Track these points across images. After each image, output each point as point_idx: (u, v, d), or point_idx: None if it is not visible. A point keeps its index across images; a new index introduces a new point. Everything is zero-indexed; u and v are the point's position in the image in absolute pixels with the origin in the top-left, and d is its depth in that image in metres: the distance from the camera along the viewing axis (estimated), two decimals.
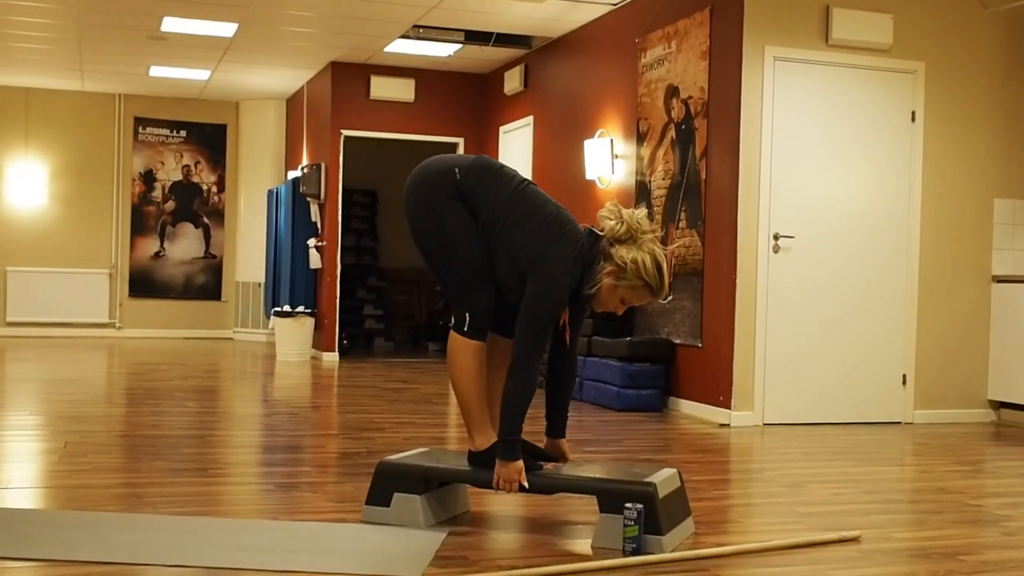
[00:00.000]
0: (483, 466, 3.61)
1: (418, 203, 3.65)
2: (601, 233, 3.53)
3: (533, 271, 3.48)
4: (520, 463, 3.50)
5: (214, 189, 13.95)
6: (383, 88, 11.15)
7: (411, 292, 14.07)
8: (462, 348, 3.63)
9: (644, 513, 3.33)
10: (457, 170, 3.63)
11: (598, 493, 3.46)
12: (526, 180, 3.68)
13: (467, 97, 11.51)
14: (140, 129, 13.63)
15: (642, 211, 3.55)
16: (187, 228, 13.87)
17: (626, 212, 3.52)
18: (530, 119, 10.20)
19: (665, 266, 3.50)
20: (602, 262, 3.48)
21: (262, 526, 3.62)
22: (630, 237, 3.47)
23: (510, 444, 3.47)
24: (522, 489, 3.52)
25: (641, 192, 7.95)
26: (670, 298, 7.47)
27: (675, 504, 3.55)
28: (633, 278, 3.46)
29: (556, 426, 3.80)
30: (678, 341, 7.38)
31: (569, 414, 3.85)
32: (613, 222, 3.50)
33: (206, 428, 5.97)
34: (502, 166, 3.71)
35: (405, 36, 9.80)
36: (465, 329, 3.62)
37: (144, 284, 13.66)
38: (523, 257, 3.51)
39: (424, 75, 11.31)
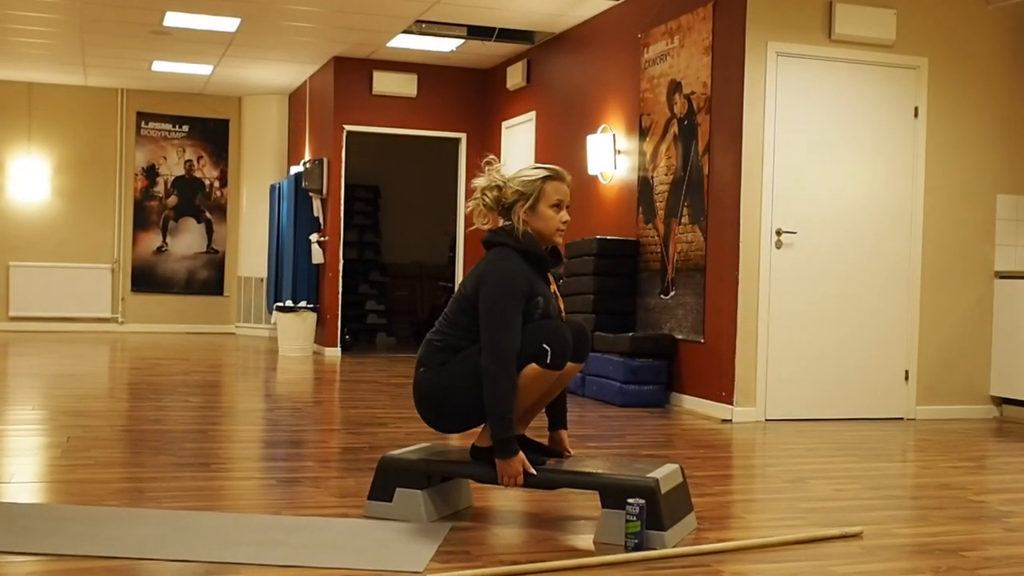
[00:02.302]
0: (486, 461, 3.60)
1: (432, 402, 3.66)
2: (497, 227, 3.65)
3: (480, 282, 3.55)
4: (520, 456, 3.49)
5: (216, 184, 13.96)
6: (385, 83, 11.14)
7: (413, 287, 14.07)
8: (529, 370, 3.58)
9: (646, 509, 3.33)
10: (420, 369, 3.69)
11: (600, 489, 3.45)
12: None
13: (469, 92, 11.50)
14: (143, 124, 13.63)
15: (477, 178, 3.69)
16: (189, 223, 13.88)
17: (475, 182, 3.68)
18: (532, 114, 10.19)
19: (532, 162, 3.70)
20: (508, 215, 3.62)
21: (264, 521, 3.62)
22: (497, 186, 3.63)
23: (506, 442, 3.47)
24: (527, 481, 3.51)
25: (643, 188, 7.95)
26: (672, 294, 7.47)
27: (677, 500, 3.55)
28: (532, 186, 3.59)
29: (556, 419, 3.81)
30: (680, 337, 7.38)
31: (571, 410, 3.86)
32: (480, 203, 3.63)
33: (208, 423, 5.97)
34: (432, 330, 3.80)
35: (408, 31, 9.80)
36: (546, 362, 3.55)
37: (146, 279, 13.67)
38: (478, 299, 3.55)
39: (427, 70, 11.30)
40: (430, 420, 3.68)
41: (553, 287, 3.73)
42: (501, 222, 3.65)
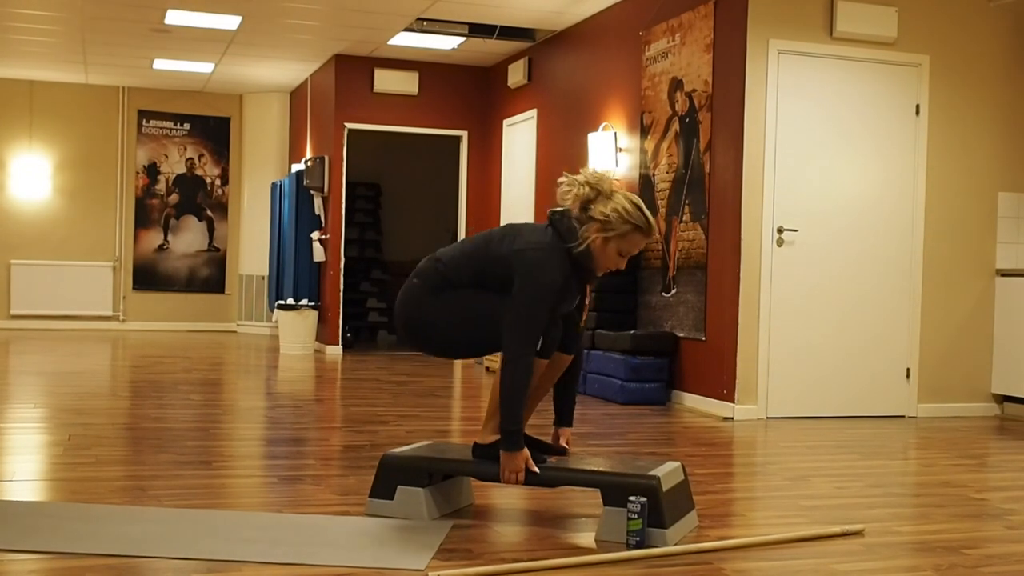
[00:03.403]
0: (488, 458, 3.61)
1: (412, 320, 3.66)
2: (564, 208, 3.58)
3: (515, 269, 3.50)
4: (525, 452, 3.50)
5: (218, 182, 13.96)
6: (387, 81, 11.14)
7: None
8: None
9: (648, 506, 3.33)
10: (415, 279, 3.68)
11: (602, 486, 3.46)
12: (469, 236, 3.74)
13: (471, 90, 11.50)
14: (144, 122, 13.63)
15: (595, 167, 3.59)
16: (191, 221, 13.88)
17: (583, 173, 3.58)
18: (534, 112, 10.19)
19: (643, 206, 3.55)
20: (582, 227, 3.51)
21: (266, 519, 3.63)
22: (598, 193, 3.53)
23: (513, 434, 3.47)
24: (529, 479, 3.51)
25: (645, 185, 7.95)
26: (674, 292, 7.47)
27: (679, 497, 3.55)
28: (620, 225, 3.50)
29: (563, 415, 3.81)
30: (682, 334, 7.38)
31: (573, 407, 3.85)
32: (575, 188, 3.54)
33: (210, 421, 5.97)
34: (444, 248, 3.76)
35: (409, 29, 9.79)
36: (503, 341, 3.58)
37: (148, 277, 13.67)
38: (506, 268, 3.53)
39: (428, 68, 11.30)
40: (402, 331, 3.69)
41: (588, 298, 3.72)
42: (575, 206, 3.56)
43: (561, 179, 3.60)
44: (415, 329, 3.66)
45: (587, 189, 3.53)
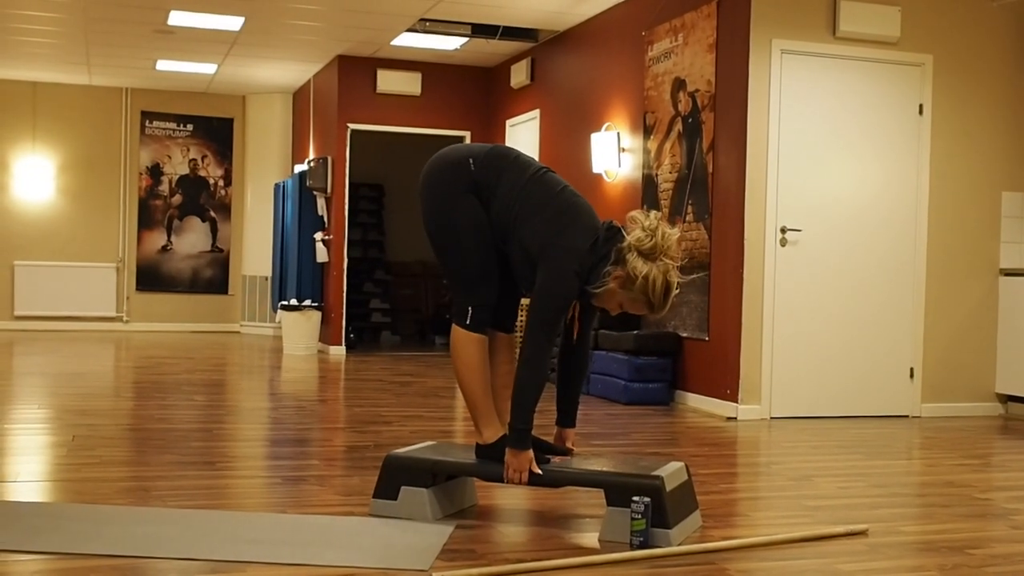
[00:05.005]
0: (491, 459, 3.61)
1: (432, 194, 3.65)
2: (621, 230, 3.47)
3: (543, 260, 3.45)
4: (531, 453, 3.50)
5: (221, 183, 13.97)
6: (390, 82, 11.14)
7: (418, 286, 14.07)
8: (464, 341, 3.63)
9: (651, 506, 3.33)
10: (471, 160, 3.62)
11: (605, 486, 3.45)
12: (543, 168, 3.64)
13: (473, 90, 11.50)
14: (147, 123, 13.64)
15: (676, 232, 3.48)
16: (194, 222, 13.89)
17: (660, 229, 3.42)
18: (536, 112, 10.19)
19: (674, 292, 3.44)
20: (612, 264, 3.42)
21: (270, 519, 3.63)
22: (651, 254, 3.40)
23: (522, 433, 3.47)
24: (532, 479, 3.51)
25: (648, 186, 7.95)
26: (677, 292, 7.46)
27: (682, 497, 3.55)
28: (639, 293, 3.41)
29: (566, 415, 3.79)
30: (685, 334, 7.38)
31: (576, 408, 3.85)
32: (643, 234, 3.41)
33: (213, 422, 5.98)
34: (519, 155, 3.68)
35: (412, 30, 9.79)
36: (467, 322, 3.63)
37: (151, 278, 13.68)
38: (534, 246, 3.49)
39: (431, 68, 11.30)
40: (424, 188, 3.69)
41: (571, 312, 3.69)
42: (625, 234, 3.46)
43: (650, 215, 3.45)
44: (431, 197, 3.65)
45: (649, 243, 3.39)
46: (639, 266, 3.38)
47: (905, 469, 5.16)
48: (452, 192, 3.61)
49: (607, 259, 3.43)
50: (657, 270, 3.39)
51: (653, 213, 3.51)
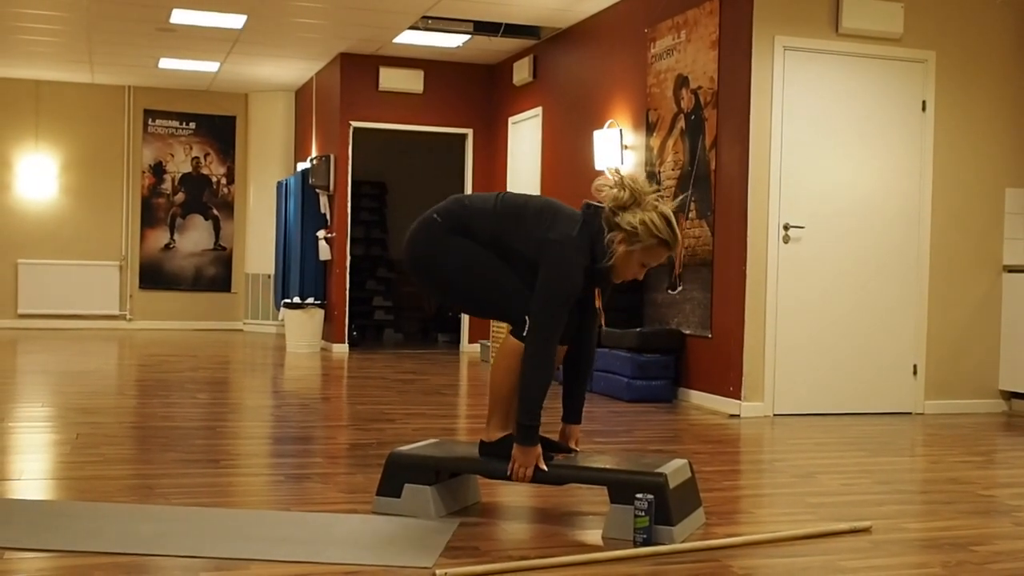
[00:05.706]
0: (495, 456, 3.61)
1: (424, 260, 3.65)
2: (599, 204, 3.53)
3: (542, 257, 3.48)
4: (539, 449, 3.50)
5: (223, 181, 13.97)
6: (392, 79, 11.15)
7: None
8: (516, 350, 3.57)
9: (655, 504, 3.33)
10: (436, 215, 3.66)
11: (609, 484, 3.45)
12: (501, 192, 3.72)
13: (476, 88, 11.50)
14: (150, 121, 13.65)
15: (639, 173, 3.55)
16: (197, 220, 13.90)
17: (627, 177, 3.53)
18: (539, 110, 10.18)
19: (674, 219, 3.51)
20: (609, 232, 3.48)
21: (273, 517, 3.63)
22: (634, 201, 3.49)
23: (530, 429, 3.47)
24: (536, 476, 3.51)
25: (650, 182, 7.93)
26: (680, 289, 7.47)
27: (686, 495, 3.55)
28: (647, 238, 3.46)
29: (572, 411, 3.80)
30: (688, 332, 7.37)
31: (582, 405, 3.85)
32: (616, 190, 3.50)
33: (217, 419, 5.98)
34: (473, 194, 3.74)
35: (414, 27, 9.79)
36: (525, 333, 3.54)
37: (154, 276, 13.70)
38: (531, 250, 3.51)
39: (433, 66, 11.30)
40: (409, 263, 3.70)
41: (598, 302, 3.72)
42: (607, 207, 3.51)
43: (606, 173, 3.55)
44: (423, 261, 3.64)
45: (626, 195, 3.47)
46: (631, 218, 3.46)
47: (908, 466, 5.16)
48: (436, 243, 3.63)
49: (602, 232, 3.49)
50: (648, 212, 3.47)
51: (610, 169, 3.57)
